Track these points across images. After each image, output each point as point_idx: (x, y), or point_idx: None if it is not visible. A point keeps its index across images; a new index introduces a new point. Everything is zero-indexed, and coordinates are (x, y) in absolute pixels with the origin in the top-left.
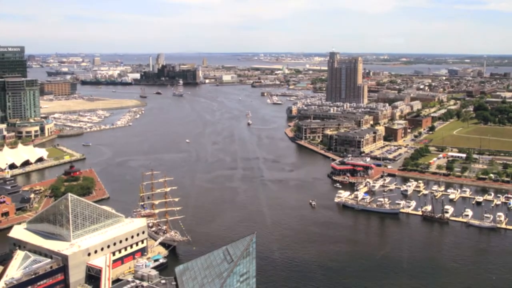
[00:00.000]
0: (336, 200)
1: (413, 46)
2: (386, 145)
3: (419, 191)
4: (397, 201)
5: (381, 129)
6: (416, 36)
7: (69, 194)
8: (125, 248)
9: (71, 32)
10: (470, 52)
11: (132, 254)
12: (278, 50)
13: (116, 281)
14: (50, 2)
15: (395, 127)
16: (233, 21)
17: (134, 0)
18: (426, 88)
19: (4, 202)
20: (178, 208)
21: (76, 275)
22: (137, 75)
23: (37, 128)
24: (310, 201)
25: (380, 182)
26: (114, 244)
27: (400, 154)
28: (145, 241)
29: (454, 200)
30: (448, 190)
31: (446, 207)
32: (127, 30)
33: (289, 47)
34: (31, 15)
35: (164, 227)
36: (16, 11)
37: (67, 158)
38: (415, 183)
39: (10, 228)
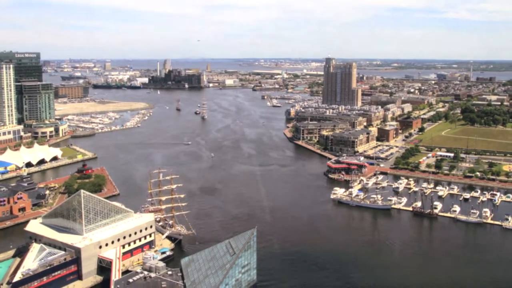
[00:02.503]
0: (332, 196)
1: (404, 52)
2: (379, 145)
3: (410, 188)
4: (389, 198)
5: (374, 130)
6: (387, 42)
7: (82, 190)
8: (134, 241)
9: (83, 39)
10: (457, 57)
11: (141, 247)
12: (278, 56)
13: (125, 272)
14: (64, 13)
15: (387, 128)
16: (215, 29)
17: (130, 12)
18: (416, 91)
19: (21, 198)
20: (183, 204)
21: (88, 267)
22: (146, 79)
23: (52, 129)
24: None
25: (373, 179)
26: (124, 237)
27: (391, 154)
28: (152, 235)
29: (443, 196)
30: (437, 187)
31: (435, 203)
32: (135, 38)
33: (288, 53)
34: (46, 24)
35: (171, 222)
36: (32, 21)
37: (80, 157)
38: (406, 181)
39: (26, 222)
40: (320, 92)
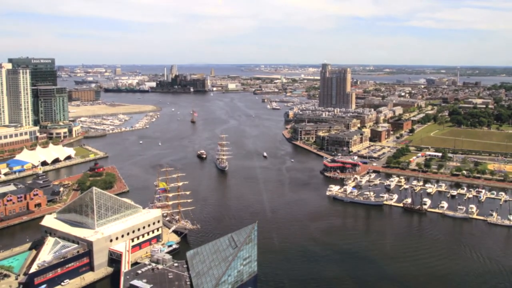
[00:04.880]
0: (328, 193)
1: (395, 58)
2: (372, 145)
3: (401, 186)
4: (381, 195)
5: (367, 131)
6: (355, 47)
7: (94, 187)
8: (143, 235)
9: (95, 46)
10: (445, 63)
11: (149, 241)
12: (277, 62)
13: (134, 264)
14: (76, 24)
15: (380, 129)
16: (198, 37)
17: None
18: (407, 95)
19: (37, 194)
20: (189, 200)
21: (100, 259)
22: (153, 84)
23: (66, 130)
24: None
25: (366, 177)
26: (133, 231)
27: (383, 153)
28: (160, 229)
29: (431, 193)
30: (426, 185)
31: (424, 199)
32: (143, 45)
33: (287, 59)
34: (61, 33)
35: (177, 217)
36: (47, 30)
37: (92, 157)
38: (397, 179)
39: (42, 217)
40: (317, 96)
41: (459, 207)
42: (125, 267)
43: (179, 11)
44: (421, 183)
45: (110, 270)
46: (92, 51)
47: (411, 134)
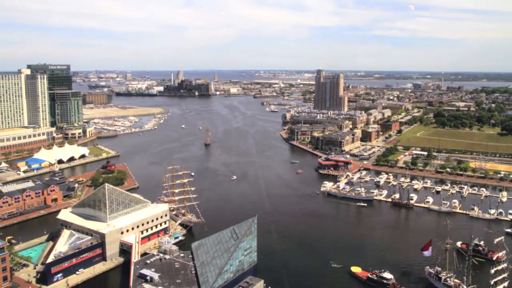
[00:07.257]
0: (322, 189)
1: (384, 64)
2: (362, 145)
3: (389, 182)
4: (371, 190)
5: (358, 132)
6: (327, 54)
7: (106, 184)
8: (151, 228)
9: (107, 54)
10: (431, 69)
11: (157, 233)
12: (276, 68)
13: (144, 254)
14: (88, 33)
15: (370, 130)
16: (187, 45)
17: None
18: (395, 98)
19: (53, 190)
20: (194, 196)
21: (112, 250)
22: (161, 88)
23: (80, 130)
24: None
25: (358, 174)
26: (142, 224)
27: (373, 152)
28: (167, 222)
29: (418, 189)
30: (413, 181)
31: (411, 195)
32: (151, 52)
33: (284, 65)
34: (75, 43)
35: (183, 211)
36: (63, 39)
37: (104, 155)
38: (386, 176)
39: (58, 211)
40: (312, 99)
41: (443, 202)
42: (135, 257)
43: (156, 23)
44: (408, 180)
45: (121, 260)
46: (103, 58)
47: (399, 134)
